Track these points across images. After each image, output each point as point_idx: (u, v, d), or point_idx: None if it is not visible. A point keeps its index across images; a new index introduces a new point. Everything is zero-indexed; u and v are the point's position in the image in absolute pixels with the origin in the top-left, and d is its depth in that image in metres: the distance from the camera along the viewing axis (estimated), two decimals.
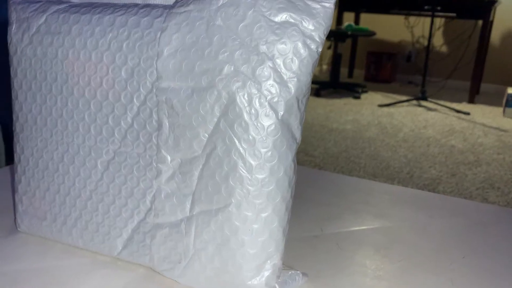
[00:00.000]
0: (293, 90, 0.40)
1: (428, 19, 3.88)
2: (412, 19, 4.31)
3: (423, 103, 3.66)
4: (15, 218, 0.55)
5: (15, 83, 0.50)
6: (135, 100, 0.44)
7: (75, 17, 0.46)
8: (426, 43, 4.00)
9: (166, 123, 0.43)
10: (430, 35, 3.61)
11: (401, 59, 4.57)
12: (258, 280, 0.43)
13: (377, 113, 3.44)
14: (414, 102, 3.69)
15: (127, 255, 0.48)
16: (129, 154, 0.45)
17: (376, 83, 4.48)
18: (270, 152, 0.40)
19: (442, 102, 3.63)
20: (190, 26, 0.42)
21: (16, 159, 0.52)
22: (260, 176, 0.41)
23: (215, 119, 0.41)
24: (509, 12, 4.06)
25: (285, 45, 0.39)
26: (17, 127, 0.51)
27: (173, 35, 0.42)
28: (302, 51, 0.39)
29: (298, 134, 0.42)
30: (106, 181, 0.47)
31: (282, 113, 0.40)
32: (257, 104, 0.40)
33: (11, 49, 0.49)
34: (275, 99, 0.40)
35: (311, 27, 0.39)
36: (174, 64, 0.42)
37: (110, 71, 0.45)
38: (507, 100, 3.44)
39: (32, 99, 0.49)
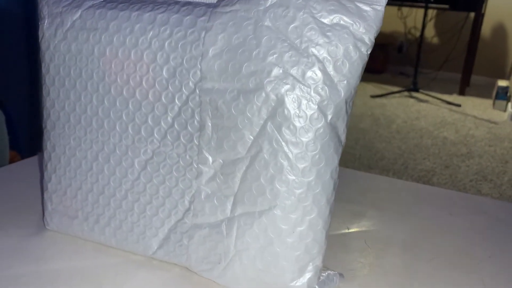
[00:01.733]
0: (342, 93, 0.39)
1: (421, 10, 3.89)
2: (405, 10, 4.32)
3: (415, 94, 3.69)
4: (43, 216, 0.54)
5: (47, 79, 0.49)
6: (176, 100, 0.43)
7: (112, 13, 0.45)
8: (418, 34, 4.03)
9: (209, 124, 0.43)
10: (423, 27, 3.62)
11: (392, 50, 4.59)
12: (300, 282, 0.43)
13: (369, 104, 3.46)
14: (406, 93, 3.72)
15: (163, 255, 0.48)
16: (169, 154, 0.45)
17: (367, 73, 4.49)
18: (317, 156, 0.40)
19: (433, 94, 3.67)
20: (237, 26, 0.41)
21: (46, 156, 0.51)
22: (306, 179, 0.40)
23: (262, 122, 0.41)
24: (499, 5, 4.09)
25: (336, 47, 0.39)
26: (48, 124, 0.50)
27: (219, 35, 0.41)
28: (352, 53, 0.39)
29: (343, 137, 0.42)
30: (143, 180, 0.46)
31: (331, 116, 0.40)
32: (306, 107, 0.39)
33: (43, 45, 0.48)
34: (325, 102, 0.39)
35: (362, 29, 0.39)
36: (219, 65, 0.41)
37: (150, 70, 0.44)
38: (497, 93, 3.48)
39: (65, 96, 0.48)
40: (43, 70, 0.49)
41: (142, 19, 0.44)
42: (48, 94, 0.49)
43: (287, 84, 0.39)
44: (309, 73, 0.39)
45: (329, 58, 0.39)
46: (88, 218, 0.50)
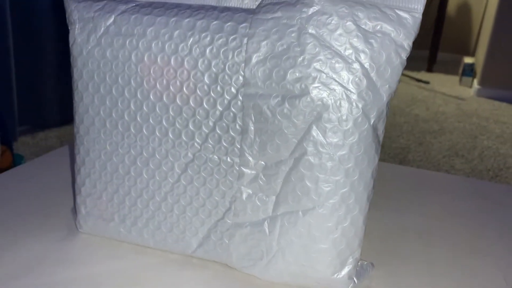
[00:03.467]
0: (384, 97, 0.42)
1: None
2: None
3: None
4: (76, 219, 0.54)
5: (80, 85, 0.48)
6: (218, 105, 0.45)
7: (149, 18, 0.46)
8: None
9: (252, 128, 0.44)
10: None
11: None
12: (341, 274, 0.46)
13: None
14: None
15: (203, 253, 0.50)
16: (210, 158, 0.46)
17: None
18: (361, 157, 0.42)
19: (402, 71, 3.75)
20: (281, 33, 0.42)
21: (78, 161, 0.51)
22: (350, 180, 0.43)
23: (306, 126, 0.42)
24: None
25: (379, 54, 0.41)
26: (81, 129, 0.50)
27: (262, 42, 0.43)
28: (394, 59, 0.41)
29: (381, 138, 0.44)
30: (184, 183, 0.48)
31: (374, 119, 0.42)
32: (351, 111, 0.41)
33: (75, 50, 0.48)
34: (368, 106, 0.41)
35: (402, 36, 0.41)
36: (263, 71, 0.43)
37: (191, 77, 0.45)
38: (463, 70, 3.60)
39: (100, 102, 0.48)
40: (75, 75, 0.49)
41: (181, 25, 0.45)
42: (81, 99, 0.49)
43: (332, 89, 0.41)
44: (353, 79, 0.41)
45: (372, 64, 0.41)
46: (125, 221, 0.51)
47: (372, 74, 0.41)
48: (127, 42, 0.46)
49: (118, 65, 0.46)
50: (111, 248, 0.52)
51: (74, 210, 0.57)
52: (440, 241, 0.58)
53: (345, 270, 0.46)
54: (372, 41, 0.41)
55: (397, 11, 0.41)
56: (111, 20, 0.47)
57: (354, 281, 0.47)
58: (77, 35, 0.48)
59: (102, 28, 0.47)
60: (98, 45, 0.47)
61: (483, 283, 0.50)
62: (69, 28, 0.49)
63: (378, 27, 0.41)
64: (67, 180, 0.68)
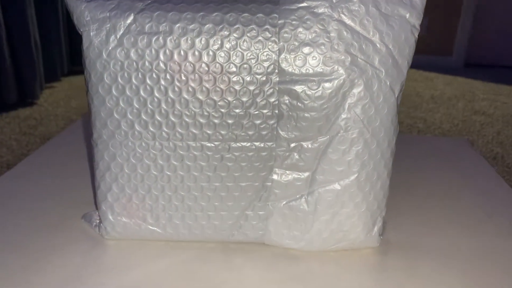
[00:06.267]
0: (405, 73, 0.47)
1: None
2: None
3: None
4: (99, 227, 0.52)
5: (101, 88, 0.46)
6: (252, 95, 0.46)
7: (173, 15, 0.45)
8: None
9: (288, 114, 0.47)
10: None
11: None
12: (373, 232, 0.52)
13: None
14: None
15: (241, 237, 0.52)
16: (246, 146, 0.48)
17: None
18: (389, 127, 0.48)
19: None
20: (310, 22, 0.45)
21: (102, 167, 0.49)
22: (381, 148, 0.48)
23: (341, 105, 0.46)
24: None
25: (399, 35, 0.46)
26: (104, 134, 0.48)
27: (293, 31, 0.45)
28: (410, 39, 0.46)
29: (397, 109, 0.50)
30: (220, 173, 0.49)
31: (397, 93, 0.47)
32: (380, 87, 0.46)
33: (92, 53, 0.46)
34: (394, 82, 0.47)
35: (414, 18, 0.46)
36: (297, 59, 0.45)
37: (224, 70, 0.46)
38: None
39: (127, 104, 0.47)
40: (93, 79, 0.46)
41: (209, 20, 0.45)
42: (103, 103, 0.47)
43: (364, 70, 0.46)
44: (380, 59, 0.46)
45: (395, 44, 0.46)
46: (159, 219, 0.51)
47: (395, 53, 0.46)
48: (153, 40, 0.45)
49: (145, 64, 0.46)
50: (145, 249, 0.52)
51: (89, 219, 0.55)
52: (432, 203, 0.66)
53: (376, 229, 0.52)
54: (393, 23, 0.46)
55: None
56: (131, 18, 0.45)
57: (381, 237, 0.53)
58: (94, 37, 0.46)
59: (122, 28, 0.45)
60: (119, 46, 0.45)
61: (467, 211, 0.60)
62: (81, 31, 0.46)
63: (395, 11, 0.46)
64: (45, 188, 0.64)
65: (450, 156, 0.80)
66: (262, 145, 0.48)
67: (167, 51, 0.45)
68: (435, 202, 0.64)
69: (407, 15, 0.46)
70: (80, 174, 0.68)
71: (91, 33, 0.46)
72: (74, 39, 2.59)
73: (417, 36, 0.47)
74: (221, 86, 0.46)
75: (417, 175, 0.71)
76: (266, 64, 0.46)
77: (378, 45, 0.46)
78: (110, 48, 0.46)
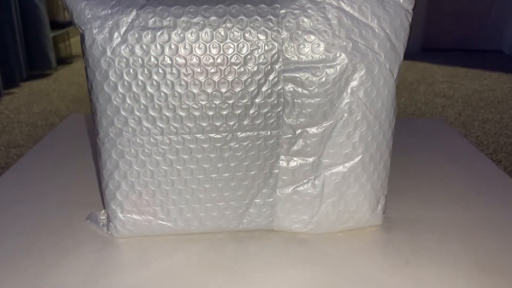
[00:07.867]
0: (402, 56, 0.49)
1: None
2: None
3: None
4: (110, 225, 0.52)
5: (106, 86, 0.46)
6: (258, 84, 0.47)
7: (176, 9, 0.45)
8: None
9: (293, 102, 0.48)
10: None
11: None
12: (377, 211, 0.54)
13: None
14: None
15: (250, 225, 0.53)
16: (253, 136, 0.49)
17: None
18: (389, 108, 0.50)
19: None
20: (311, 10, 0.46)
21: (110, 166, 0.49)
22: (383, 129, 0.50)
23: (345, 90, 0.48)
24: None
25: (395, 19, 0.48)
26: (111, 131, 0.48)
27: (294, 20, 0.46)
28: (405, 23, 0.49)
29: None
30: (228, 163, 0.50)
31: (396, 75, 0.49)
32: (381, 71, 0.48)
33: (96, 51, 0.45)
34: (393, 65, 0.49)
35: (407, 2, 0.49)
36: (301, 48, 0.47)
37: (229, 61, 0.46)
38: None
39: (133, 101, 0.47)
40: (98, 77, 0.46)
41: (212, 13, 0.46)
42: (109, 101, 0.47)
43: (365, 54, 0.47)
44: (379, 43, 0.48)
45: (392, 29, 0.48)
46: (169, 213, 0.51)
47: (392, 37, 0.48)
48: (157, 35, 0.45)
49: (150, 60, 0.46)
50: (158, 245, 0.52)
51: (95, 220, 0.54)
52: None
53: (379, 207, 0.54)
54: (389, 9, 0.48)
55: None
56: (133, 14, 0.45)
57: (384, 215, 0.55)
58: (96, 35, 0.45)
59: (125, 24, 0.45)
60: (124, 42, 0.45)
61: (456, 188, 0.63)
62: (82, 29, 0.45)
63: None
64: (42, 192, 0.63)
65: (431, 136, 0.84)
66: (269, 133, 0.49)
67: (172, 45, 0.46)
68: (426, 180, 0.67)
69: (401, 0, 0.48)
70: (74, 175, 0.67)
71: (94, 31, 0.45)
72: (31, 43, 2.51)
73: (410, 20, 0.49)
74: (228, 78, 0.47)
75: (404, 157, 0.74)
76: (270, 54, 0.47)
77: (376, 30, 0.47)
78: (114, 45, 0.45)
